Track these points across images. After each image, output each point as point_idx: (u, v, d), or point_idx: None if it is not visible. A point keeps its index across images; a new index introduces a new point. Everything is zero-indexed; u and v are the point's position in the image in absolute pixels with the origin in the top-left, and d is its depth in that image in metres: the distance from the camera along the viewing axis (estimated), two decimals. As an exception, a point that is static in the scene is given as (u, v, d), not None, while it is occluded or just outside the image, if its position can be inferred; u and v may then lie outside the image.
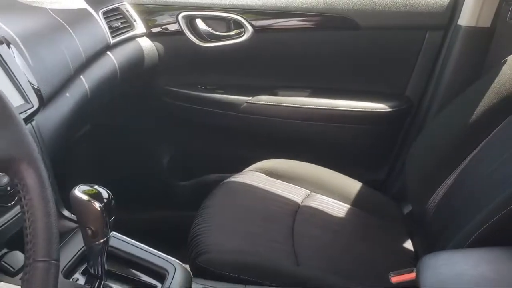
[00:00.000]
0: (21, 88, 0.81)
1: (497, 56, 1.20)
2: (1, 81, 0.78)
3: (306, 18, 1.43)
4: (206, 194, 1.22)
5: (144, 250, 0.85)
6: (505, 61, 1.12)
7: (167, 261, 0.84)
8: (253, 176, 1.29)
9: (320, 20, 1.42)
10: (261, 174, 1.31)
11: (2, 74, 0.79)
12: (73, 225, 0.87)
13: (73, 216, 0.88)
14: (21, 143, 0.51)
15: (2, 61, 0.80)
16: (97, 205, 0.66)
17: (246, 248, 1.03)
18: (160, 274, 0.82)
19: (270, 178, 1.30)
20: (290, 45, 1.48)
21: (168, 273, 0.82)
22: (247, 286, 0.91)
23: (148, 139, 1.63)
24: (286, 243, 1.07)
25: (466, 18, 1.29)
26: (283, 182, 1.29)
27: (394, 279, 0.85)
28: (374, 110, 1.44)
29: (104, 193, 0.68)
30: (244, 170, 1.32)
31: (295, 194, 1.25)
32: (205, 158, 1.65)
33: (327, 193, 1.27)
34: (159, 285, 0.80)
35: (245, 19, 1.46)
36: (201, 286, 0.85)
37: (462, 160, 1.06)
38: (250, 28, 1.46)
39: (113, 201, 0.68)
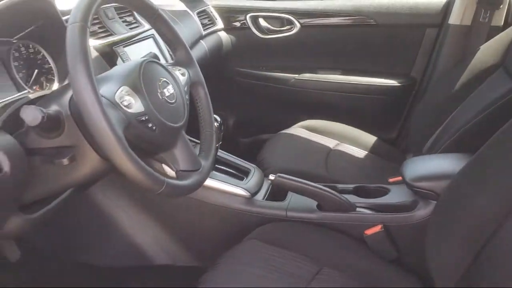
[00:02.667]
0: None
1: (473, 46, 1.69)
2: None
3: (339, 18, 1.97)
4: (259, 149, 1.70)
5: (237, 158, 1.42)
6: (478, 49, 1.61)
7: (250, 165, 1.41)
8: (297, 131, 1.81)
9: (349, 19, 1.96)
10: (303, 129, 1.82)
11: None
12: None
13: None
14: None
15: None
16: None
17: (293, 167, 1.54)
18: (246, 171, 1.39)
19: (310, 132, 1.80)
20: (326, 37, 2.02)
21: (251, 170, 1.39)
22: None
23: (221, 106, 2.20)
24: (321, 166, 1.59)
25: (453, 18, 1.79)
26: (318, 135, 1.78)
27: (391, 180, 1.38)
28: (388, 84, 1.96)
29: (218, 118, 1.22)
30: (291, 127, 1.86)
31: (328, 143, 1.75)
32: (261, 121, 2.20)
33: (350, 143, 1.78)
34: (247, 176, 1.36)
35: (294, 18, 2.01)
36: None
37: (450, 114, 1.45)
38: (298, 25, 2.01)
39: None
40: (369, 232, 1.21)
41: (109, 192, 1.38)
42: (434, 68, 1.86)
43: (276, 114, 2.13)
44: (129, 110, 0.85)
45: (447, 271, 0.96)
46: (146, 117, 0.88)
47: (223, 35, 2.04)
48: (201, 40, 1.84)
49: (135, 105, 0.87)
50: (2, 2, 0.95)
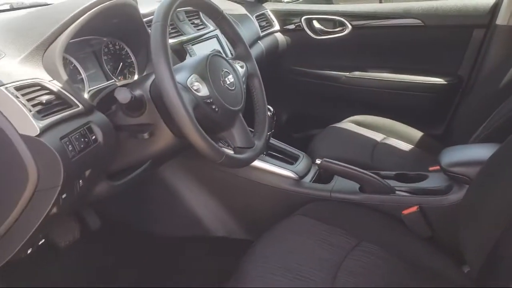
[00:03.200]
0: None
1: None
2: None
3: (388, 19, 2.08)
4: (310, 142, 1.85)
5: (288, 146, 1.59)
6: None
7: (300, 152, 1.57)
8: (346, 125, 1.94)
9: (398, 21, 2.07)
10: (352, 124, 1.96)
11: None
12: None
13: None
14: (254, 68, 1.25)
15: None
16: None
17: (339, 155, 1.67)
18: (296, 157, 1.55)
19: (358, 127, 1.92)
20: (376, 37, 2.14)
21: (300, 156, 1.55)
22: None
23: (275, 102, 2.37)
24: (367, 157, 1.72)
25: (501, 19, 1.86)
26: (366, 129, 1.90)
27: (431, 168, 1.48)
28: (435, 83, 2.05)
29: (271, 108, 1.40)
30: (340, 122, 1.99)
31: (375, 136, 1.85)
32: (313, 117, 2.35)
33: (397, 137, 1.88)
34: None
35: (346, 20, 2.15)
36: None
37: (494, 110, 1.49)
38: (349, 26, 2.15)
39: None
40: (406, 212, 1.33)
41: (177, 172, 1.58)
42: (481, 67, 1.93)
43: (327, 110, 2.27)
44: (198, 94, 1.04)
45: (476, 250, 1.06)
46: (211, 100, 1.06)
47: (279, 36, 2.21)
48: (259, 41, 2.02)
49: (203, 90, 1.05)
50: (96, 7, 1.16)
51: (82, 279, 1.53)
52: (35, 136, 0.89)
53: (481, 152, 1.28)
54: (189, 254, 1.60)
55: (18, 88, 0.91)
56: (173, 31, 1.51)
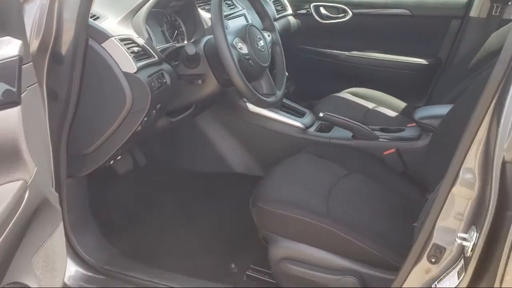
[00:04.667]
0: None
1: (488, 34, 2.16)
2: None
3: (383, 9, 2.51)
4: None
5: (298, 104, 2.01)
6: (490, 36, 2.09)
7: (307, 110, 2.00)
8: (344, 95, 2.36)
9: (390, 10, 2.50)
10: (349, 94, 2.37)
11: None
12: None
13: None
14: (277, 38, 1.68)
15: None
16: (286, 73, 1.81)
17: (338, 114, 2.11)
18: (303, 113, 1.98)
19: (354, 97, 2.32)
20: (372, 23, 2.57)
21: (306, 112, 1.98)
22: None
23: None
24: (360, 120, 2.14)
25: (473, 12, 2.28)
26: (360, 99, 2.32)
27: (408, 125, 1.91)
28: (419, 63, 2.48)
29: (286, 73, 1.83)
30: (340, 92, 2.41)
31: (367, 104, 2.24)
32: (317, 88, 2.76)
33: (386, 106, 2.30)
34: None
35: (348, 7, 2.57)
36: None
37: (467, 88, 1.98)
38: (350, 13, 2.57)
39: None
40: (386, 153, 1.77)
41: (210, 122, 2.02)
42: (456, 51, 2.36)
43: (328, 83, 2.69)
44: (241, 51, 1.47)
45: (437, 181, 1.48)
46: (248, 57, 1.49)
47: (291, 19, 2.63)
48: (274, 22, 2.43)
49: (243, 48, 1.49)
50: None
51: (129, 200, 1.95)
52: (133, 73, 1.32)
53: (443, 109, 1.71)
54: (216, 185, 2.04)
55: (120, 40, 1.34)
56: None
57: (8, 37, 1.00)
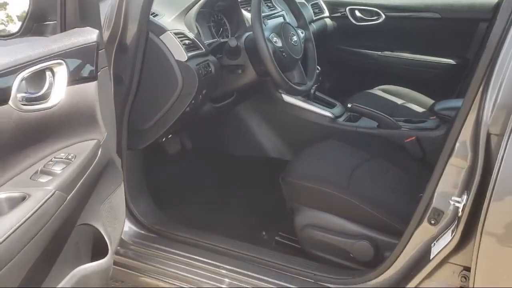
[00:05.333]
0: None
1: None
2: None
3: (413, 12, 2.68)
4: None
5: (329, 97, 2.22)
6: None
7: (336, 101, 2.19)
8: (376, 91, 2.53)
9: (421, 14, 2.66)
10: (380, 91, 2.55)
11: None
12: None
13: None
14: (309, 34, 1.91)
15: None
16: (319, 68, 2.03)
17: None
18: (333, 104, 2.18)
19: (384, 93, 2.49)
20: (403, 25, 2.73)
21: (336, 104, 2.17)
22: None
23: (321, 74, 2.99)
24: (388, 113, 2.31)
25: (501, 14, 2.41)
26: (390, 95, 2.49)
27: (431, 118, 2.08)
28: (448, 62, 2.63)
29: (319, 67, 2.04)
30: (372, 89, 2.59)
31: (396, 100, 2.42)
32: (351, 86, 2.94)
33: (414, 102, 2.47)
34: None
35: (381, 10, 2.76)
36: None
37: None
38: (383, 16, 2.75)
39: None
40: (407, 140, 1.94)
41: (249, 111, 2.26)
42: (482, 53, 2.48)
43: (362, 81, 2.86)
44: (276, 44, 1.70)
45: None
46: (282, 50, 1.72)
47: (328, 21, 2.83)
48: (312, 23, 2.64)
49: (278, 42, 1.71)
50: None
51: (176, 176, 2.20)
52: (184, 61, 1.57)
53: (460, 102, 1.87)
54: (251, 168, 2.27)
55: (174, 33, 1.60)
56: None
57: (88, 27, 1.27)
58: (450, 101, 1.98)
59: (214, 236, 1.66)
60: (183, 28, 1.67)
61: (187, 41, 1.63)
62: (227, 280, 1.52)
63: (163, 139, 1.80)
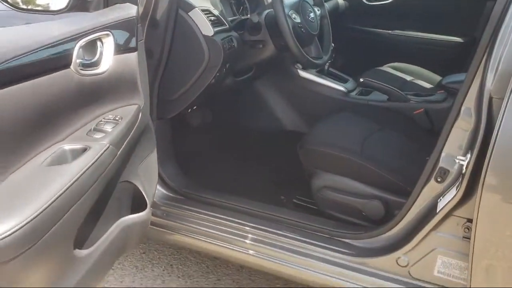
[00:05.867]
0: None
1: None
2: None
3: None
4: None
5: (341, 73, 2.35)
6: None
7: (349, 77, 2.32)
8: (386, 68, 2.65)
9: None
10: (390, 68, 2.67)
11: None
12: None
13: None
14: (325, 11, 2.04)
15: None
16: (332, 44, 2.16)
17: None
18: (346, 79, 2.31)
19: (394, 70, 2.62)
20: (413, 5, 2.84)
21: (349, 79, 2.30)
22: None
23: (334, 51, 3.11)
24: (398, 87, 2.44)
25: (507, -6, 2.51)
26: (400, 72, 2.62)
27: (438, 92, 2.21)
28: (456, 41, 2.74)
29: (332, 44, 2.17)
30: (382, 66, 2.71)
31: (405, 77, 2.54)
32: (362, 63, 3.05)
33: (422, 79, 2.59)
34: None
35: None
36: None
37: None
38: (394, -4, 2.86)
39: None
40: (416, 112, 2.07)
41: (267, 86, 2.39)
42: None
43: (372, 58, 2.97)
44: (294, 20, 1.83)
45: None
46: (300, 25, 1.85)
47: (340, 1, 2.94)
48: (325, 3, 2.75)
49: (297, 19, 1.84)
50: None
51: (199, 146, 2.34)
52: (211, 36, 1.70)
53: (467, 75, 2.00)
54: (269, 140, 2.41)
55: (201, 10, 1.73)
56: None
57: (128, 3, 1.40)
58: (457, 75, 2.10)
59: (237, 198, 1.81)
60: (208, 6, 1.80)
61: (212, 18, 1.76)
62: (250, 235, 1.67)
63: (189, 110, 1.94)
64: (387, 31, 2.91)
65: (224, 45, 1.75)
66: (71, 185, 1.01)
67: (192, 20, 1.69)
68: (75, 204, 1.05)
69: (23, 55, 0.95)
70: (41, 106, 1.02)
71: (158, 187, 1.83)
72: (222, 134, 2.43)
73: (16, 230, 0.85)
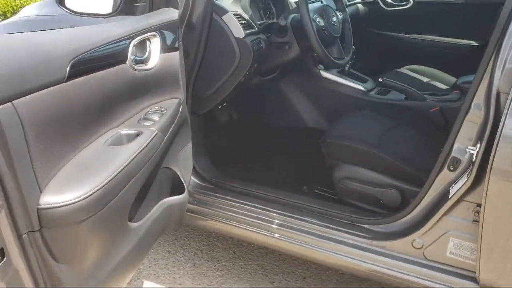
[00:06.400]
0: None
1: None
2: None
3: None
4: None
5: (362, 74, 2.49)
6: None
7: (368, 77, 2.47)
8: (404, 70, 2.78)
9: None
10: (408, 70, 2.80)
11: None
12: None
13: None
14: (346, 16, 2.19)
15: None
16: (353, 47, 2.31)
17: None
18: (365, 79, 2.45)
19: (411, 72, 2.76)
20: (430, 10, 2.97)
21: (369, 79, 2.45)
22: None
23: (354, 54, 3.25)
24: (414, 88, 2.57)
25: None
26: (417, 74, 2.75)
27: (453, 91, 2.33)
28: (471, 44, 2.86)
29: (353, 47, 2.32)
30: (400, 68, 2.84)
31: (422, 78, 2.68)
32: (380, 63, 3.18)
33: (437, 80, 2.72)
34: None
35: (408, -3, 3.00)
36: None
37: None
38: (411, 1, 2.99)
39: None
40: (432, 110, 2.20)
41: (289, 86, 2.55)
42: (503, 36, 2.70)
43: (390, 61, 3.11)
44: (318, 24, 1.99)
45: None
46: (324, 28, 2.00)
47: (360, 6, 3.09)
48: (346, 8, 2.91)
49: (320, 22, 2.00)
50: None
51: (226, 141, 2.50)
52: (242, 38, 1.87)
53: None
54: (292, 136, 2.56)
55: (234, 14, 1.89)
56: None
57: (170, 8, 1.57)
58: (471, 76, 2.22)
59: (262, 187, 1.96)
60: (239, 10, 1.96)
61: (243, 21, 1.92)
62: (275, 221, 1.81)
63: (219, 107, 2.10)
64: (405, 35, 3.04)
65: (253, 46, 1.91)
66: (128, 163, 1.17)
67: (225, 23, 1.85)
68: (130, 180, 1.22)
69: (91, 51, 1.13)
70: (103, 95, 1.19)
71: (191, 176, 1.99)
72: (248, 129, 2.59)
73: (87, 197, 1.02)
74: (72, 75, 1.03)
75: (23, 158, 0.90)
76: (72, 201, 0.98)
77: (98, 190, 1.05)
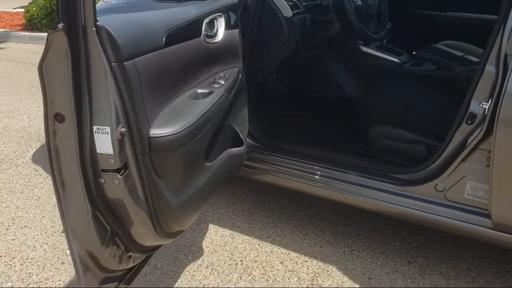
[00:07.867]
0: None
1: None
2: None
3: None
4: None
5: (396, 48, 2.77)
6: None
7: (404, 51, 2.74)
8: (440, 46, 3.02)
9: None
10: (443, 46, 3.03)
11: None
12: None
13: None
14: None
15: None
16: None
17: None
18: (401, 53, 2.73)
19: (447, 47, 3.00)
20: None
21: (404, 53, 2.72)
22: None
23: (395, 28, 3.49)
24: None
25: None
26: (452, 48, 2.99)
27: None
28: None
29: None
30: (437, 43, 3.06)
31: (455, 52, 2.92)
32: (418, 39, 3.40)
33: (470, 54, 2.93)
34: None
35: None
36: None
37: None
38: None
39: None
40: (459, 79, 2.46)
41: (332, 59, 2.86)
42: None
43: (427, 37, 3.33)
44: (356, 3, 2.29)
45: None
46: (361, 7, 2.31)
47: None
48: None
49: (358, 2, 2.31)
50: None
51: (274, 109, 2.83)
52: (289, 17, 2.19)
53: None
54: (333, 103, 2.87)
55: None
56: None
57: (229, -7, 1.91)
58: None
59: (308, 146, 2.29)
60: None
61: (291, 3, 2.25)
62: (319, 173, 2.15)
63: (270, 78, 2.44)
64: (441, 13, 3.26)
65: (300, 24, 2.24)
66: (205, 112, 1.54)
67: (275, 4, 2.18)
68: (206, 126, 1.58)
69: (178, 26, 1.50)
70: (185, 62, 1.56)
71: (247, 138, 2.34)
72: (295, 98, 2.92)
73: (180, 131, 1.39)
74: (167, 43, 1.40)
75: (140, 101, 1.28)
76: (170, 133, 1.35)
77: (186, 128, 1.42)
